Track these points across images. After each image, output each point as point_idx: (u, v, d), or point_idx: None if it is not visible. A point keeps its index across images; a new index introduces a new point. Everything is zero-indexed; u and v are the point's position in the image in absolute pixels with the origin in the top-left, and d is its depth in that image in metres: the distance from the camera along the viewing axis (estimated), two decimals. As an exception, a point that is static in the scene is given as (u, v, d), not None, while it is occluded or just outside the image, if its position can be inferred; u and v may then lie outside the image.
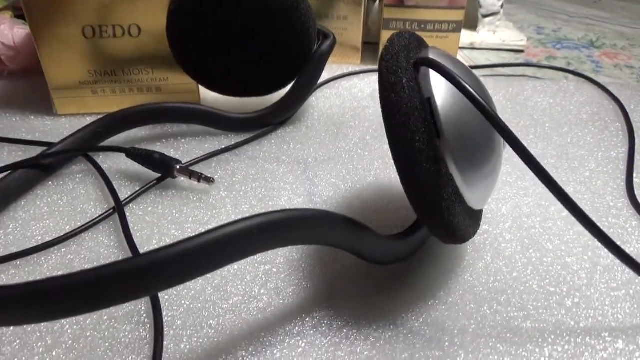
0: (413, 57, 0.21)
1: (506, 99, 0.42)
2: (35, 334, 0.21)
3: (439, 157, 0.19)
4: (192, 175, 0.29)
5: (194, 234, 0.26)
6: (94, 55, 0.36)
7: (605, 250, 0.24)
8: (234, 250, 0.17)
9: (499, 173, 0.23)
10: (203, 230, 0.27)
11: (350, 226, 0.20)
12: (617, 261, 0.24)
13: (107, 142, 0.34)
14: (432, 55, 0.21)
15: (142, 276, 0.15)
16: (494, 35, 0.55)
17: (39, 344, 0.20)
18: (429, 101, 0.20)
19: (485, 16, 0.56)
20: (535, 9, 0.72)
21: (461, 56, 0.52)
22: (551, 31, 0.63)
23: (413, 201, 0.20)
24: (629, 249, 0.25)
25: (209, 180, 0.29)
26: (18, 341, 0.21)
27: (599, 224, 0.27)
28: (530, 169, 0.18)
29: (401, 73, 0.20)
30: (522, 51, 0.55)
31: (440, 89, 0.20)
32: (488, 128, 0.21)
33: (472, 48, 0.55)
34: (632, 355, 0.20)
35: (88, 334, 0.21)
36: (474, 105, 0.19)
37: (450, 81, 0.19)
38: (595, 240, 0.20)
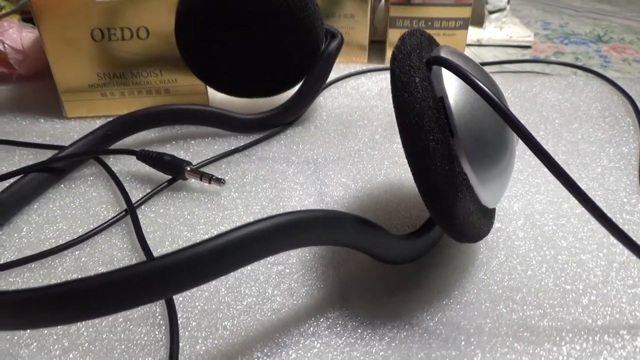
0: (425, 56, 0.21)
1: (515, 95, 0.42)
2: (51, 336, 0.21)
3: (453, 156, 0.19)
4: (203, 176, 0.29)
5: (206, 235, 0.27)
6: (102, 58, 0.36)
7: (621, 247, 0.24)
8: (248, 252, 0.17)
9: (512, 171, 0.23)
10: (215, 232, 0.27)
11: (363, 226, 0.20)
12: (633, 258, 0.24)
13: (117, 145, 0.34)
14: (444, 54, 0.21)
15: (158, 279, 0.15)
16: (501, 31, 0.55)
17: (56, 346, 0.21)
18: (442, 100, 0.20)
19: (491, 12, 0.55)
20: (542, 4, 0.72)
21: (468, 53, 0.52)
22: (558, 26, 0.62)
23: (427, 201, 0.20)
24: (644, 246, 0.25)
25: (219, 181, 0.29)
26: (35, 344, 0.21)
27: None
28: (545, 165, 0.18)
29: (414, 72, 0.19)
30: (529, 47, 0.55)
31: (452, 87, 0.20)
32: (501, 126, 0.21)
33: (479, 45, 0.54)
34: (651, 353, 0.20)
35: (104, 336, 0.21)
36: (489, 104, 0.19)
37: (464, 80, 0.19)
38: (610, 237, 0.20)
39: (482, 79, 0.21)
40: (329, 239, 0.21)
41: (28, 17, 0.44)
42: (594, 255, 0.25)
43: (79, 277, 0.23)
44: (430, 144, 0.19)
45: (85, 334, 0.21)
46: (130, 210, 0.27)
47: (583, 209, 0.19)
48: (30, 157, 0.33)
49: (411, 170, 0.20)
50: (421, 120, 0.19)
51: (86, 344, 0.21)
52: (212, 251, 0.16)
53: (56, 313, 0.15)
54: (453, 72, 0.19)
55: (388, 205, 0.29)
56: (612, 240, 0.25)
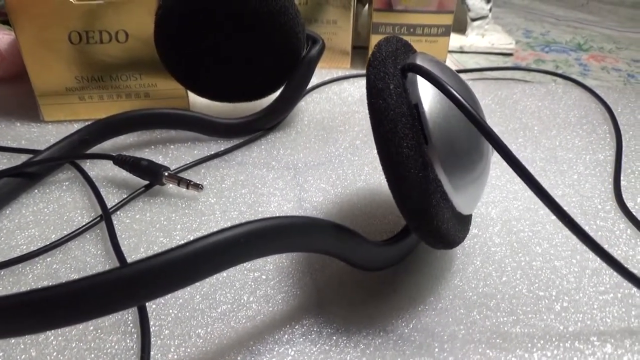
0: (400, 63, 0.21)
1: (495, 102, 0.42)
2: (19, 345, 0.20)
3: (426, 163, 0.19)
4: (181, 182, 0.29)
5: (182, 242, 0.26)
6: (80, 61, 0.35)
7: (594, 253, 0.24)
8: (222, 259, 0.17)
9: (488, 177, 0.23)
10: (192, 238, 0.27)
11: (339, 233, 0.20)
12: (605, 264, 0.24)
13: (95, 149, 0.33)
14: (419, 61, 0.21)
15: (129, 286, 0.15)
16: (483, 38, 0.56)
17: (23, 356, 0.20)
18: (417, 107, 0.20)
19: (474, 20, 0.56)
20: (524, 13, 0.73)
21: (450, 60, 0.52)
22: (539, 34, 0.63)
23: (401, 208, 0.20)
24: (616, 252, 0.25)
25: (197, 186, 0.29)
26: (1, 354, 0.20)
27: (587, 227, 0.27)
28: (518, 174, 0.18)
29: (388, 79, 0.19)
30: (510, 54, 0.55)
31: (427, 94, 0.20)
32: (476, 133, 0.21)
33: (462, 52, 0.55)
34: (621, 359, 0.20)
35: (73, 345, 0.21)
36: (461, 111, 0.19)
37: (437, 87, 0.19)
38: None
39: (456, 86, 0.21)
40: (304, 246, 0.20)
41: (5, 19, 0.43)
42: (568, 262, 0.25)
43: (49, 284, 0.22)
44: (404, 150, 0.19)
45: (54, 342, 0.21)
46: (105, 216, 0.27)
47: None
48: (4, 162, 0.33)
49: (385, 177, 0.20)
50: (395, 127, 0.19)
51: (55, 353, 0.20)
52: (184, 258, 0.16)
53: (22, 322, 0.14)
54: (426, 79, 0.19)
55: (367, 211, 0.29)
56: (586, 246, 0.25)
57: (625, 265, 0.24)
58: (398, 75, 0.20)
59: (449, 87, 0.19)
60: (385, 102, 0.19)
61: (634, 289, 0.23)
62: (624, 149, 0.35)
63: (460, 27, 0.56)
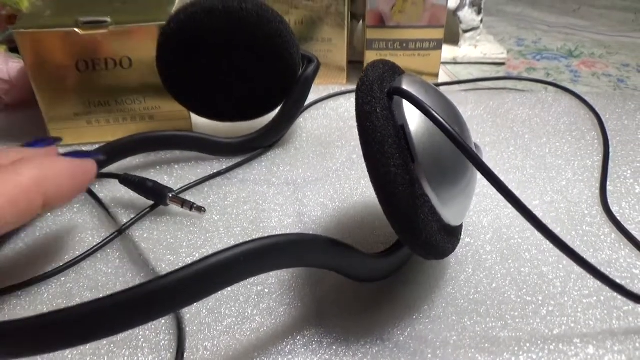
0: (387, 86, 0.22)
1: (487, 112, 0.44)
2: (38, 362, 0.22)
3: (413, 180, 0.21)
4: (185, 204, 0.30)
5: (188, 259, 0.28)
6: (87, 88, 0.37)
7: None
8: (224, 277, 0.18)
9: (474, 190, 0.24)
10: (197, 255, 0.28)
11: (336, 248, 0.22)
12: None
13: (103, 172, 0.35)
14: (405, 84, 0.22)
15: (143, 304, 0.17)
16: (476, 49, 0.57)
17: (42, 372, 0.21)
18: (403, 128, 0.21)
19: (465, 31, 0.57)
20: (516, 21, 0.74)
21: (444, 71, 0.54)
22: (531, 42, 0.65)
23: (392, 223, 0.21)
24: (600, 256, 0.27)
25: (200, 209, 0.30)
26: (22, 370, 0.22)
27: (573, 233, 0.29)
28: (499, 191, 0.19)
29: (375, 103, 0.21)
30: (503, 64, 0.57)
31: (413, 116, 0.21)
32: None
33: (455, 63, 0.56)
34: (602, 359, 0.21)
35: (88, 359, 0.22)
36: (443, 132, 0.20)
37: (419, 109, 0.20)
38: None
39: (439, 106, 0.23)
40: (303, 262, 0.22)
41: (14, 47, 0.45)
42: (555, 267, 0.26)
43: (65, 303, 0.24)
44: (391, 169, 0.20)
45: (69, 357, 0.22)
46: (120, 232, 0.29)
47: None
48: (18, 186, 0.34)
49: (376, 195, 0.21)
50: (382, 148, 0.20)
51: (71, 369, 0.22)
52: (194, 276, 0.17)
53: (47, 342, 0.16)
54: (409, 102, 0.21)
55: (364, 223, 0.30)
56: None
57: (609, 270, 0.25)
58: (384, 98, 0.22)
59: (430, 109, 0.20)
60: (373, 125, 0.20)
61: (618, 292, 0.24)
62: (611, 154, 0.36)
63: (453, 38, 0.58)
